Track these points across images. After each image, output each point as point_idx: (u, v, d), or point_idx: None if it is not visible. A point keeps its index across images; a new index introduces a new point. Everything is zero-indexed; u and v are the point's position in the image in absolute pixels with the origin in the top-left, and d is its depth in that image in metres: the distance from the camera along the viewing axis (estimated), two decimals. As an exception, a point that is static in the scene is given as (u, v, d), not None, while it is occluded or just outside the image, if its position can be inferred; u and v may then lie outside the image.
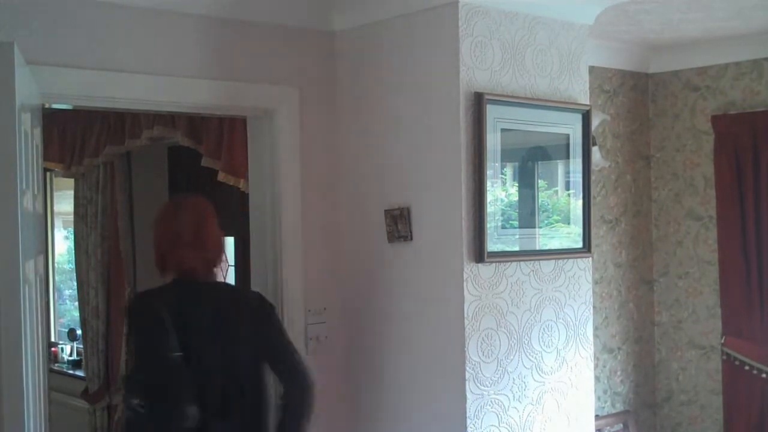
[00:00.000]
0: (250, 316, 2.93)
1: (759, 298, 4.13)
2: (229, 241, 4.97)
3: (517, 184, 3.32)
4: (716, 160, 4.29)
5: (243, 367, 2.88)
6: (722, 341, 4.28)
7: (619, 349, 4.51)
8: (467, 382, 3.13)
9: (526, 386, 3.30)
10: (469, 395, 3.13)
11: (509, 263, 3.24)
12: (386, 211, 3.37)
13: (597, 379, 4.12)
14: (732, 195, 4.22)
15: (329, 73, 3.59)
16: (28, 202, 2.36)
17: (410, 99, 3.31)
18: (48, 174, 6.15)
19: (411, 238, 3.30)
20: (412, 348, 3.34)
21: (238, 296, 3.16)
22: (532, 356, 3.32)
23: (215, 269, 2.97)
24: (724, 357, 4.29)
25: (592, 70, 3.78)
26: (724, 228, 4.27)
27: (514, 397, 3.26)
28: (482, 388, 3.16)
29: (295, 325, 3.44)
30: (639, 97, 4.59)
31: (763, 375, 4.12)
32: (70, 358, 6.55)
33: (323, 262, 3.58)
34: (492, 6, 3.17)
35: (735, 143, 4.20)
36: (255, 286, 3.51)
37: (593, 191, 3.53)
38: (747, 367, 4.17)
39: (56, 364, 6.45)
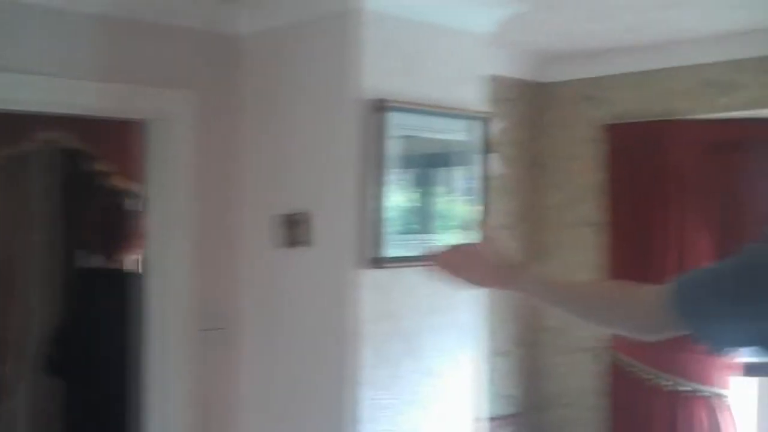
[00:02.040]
0: None
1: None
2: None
3: (416, 191, 3.35)
4: (607, 168, 4.41)
5: None
6: (609, 344, 4.40)
7: (510, 352, 4.59)
8: (361, 387, 3.14)
9: (419, 390, 3.32)
10: (362, 400, 3.14)
11: (406, 268, 3.26)
12: (285, 217, 3.36)
13: (489, 382, 4.18)
14: (622, 202, 4.35)
15: (232, 78, 3.55)
16: None
17: (311, 105, 3.30)
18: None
19: (310, 244, 3.30)
20: (308, 353, 3.33)
21: None
22: (426, 360, 3.34)
23: None
24: (611, 360, 4.40)
25: (491, 78, 3.84)
26: (615, 234, 4.39)
27: (407, 401, 3.28)
28: (376, 392, 3.17)
29: (190, 333, 3.41)
30: (535, 106, 4.69)
31: (649, 377, 4.25)
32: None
33: (220, 267, 3.54)
34: (393, 13, 3.18)
35: (626, 152, 4.33)
36: (152, 291, 3.46)
37: (490, 198, 3.59)
38: (633, 370, 4.29)
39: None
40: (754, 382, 4.32)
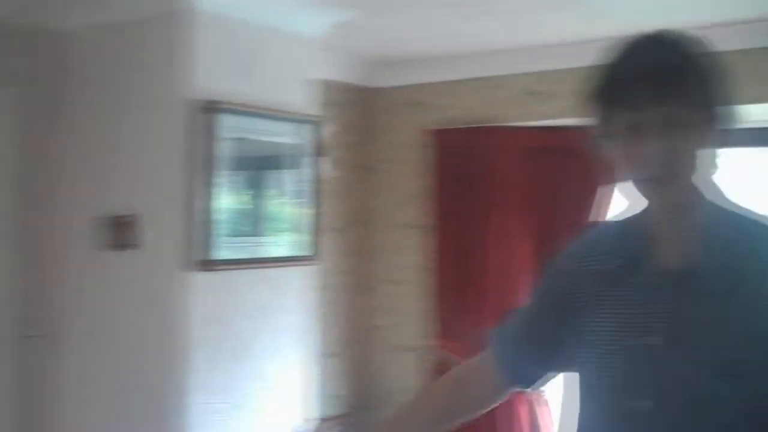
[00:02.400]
0: None
1: (470, 303, 4.40)
2: None
3: (247, 193, 3.34)
4: (432, 172, 4.53)
5: None
6: (435, 344, 4.52)
7: (340, 353, 4.64)
8: (191, 392, 3.10)
9: (251, 393, 3.31)
10: (192, 405, 3.10)
11: (237, 271, 3.25)
12: (113, 219, 3.27)
13: (319, 383, 4.22)
14: (447, 205, 4.47)
15: (57, 75, 3.42)
16: None
17: (139, 105, 3.23)
18: None
19: (137, 247, 3.22)
20: (135, 359, 3.26)
21: None
22: (258, 363, 3.34)
23: None
24: (438, 359, 4.52)
25: (323, 82, 3.87)
26: (439, 236, 4.52)
27: (239, 404, 3.26)
28: (207, 397, 3.14)
29: (11, 339, 3.26)
30: (365, 110, 4.76)
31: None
32: None
33: (44, 271, 3.41)
34: (226, 14, 3.16)
35: (450, 156, 4.46)
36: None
37: (321, 200, 3.62)
38: (458, 368, 4.42)
39: None
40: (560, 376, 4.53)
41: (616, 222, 1.64)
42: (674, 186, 1.46)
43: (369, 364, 4.83)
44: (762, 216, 1.52)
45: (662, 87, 1.41)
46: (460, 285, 4.44)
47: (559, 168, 4.22)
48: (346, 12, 3.45)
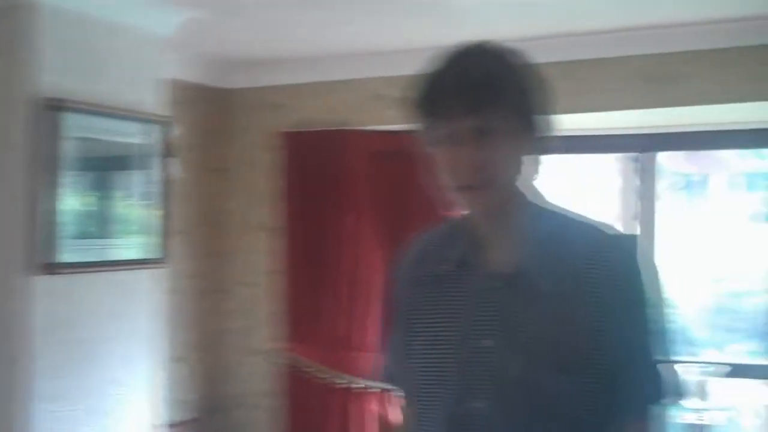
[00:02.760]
0: None
1: (321, 306, 4.43)
2: None
3: (93, 194, 3.27)
4: (285, 174, 4.54)
5: None
6: (285, 346, 4.53)
7: (189, 357, 4.58)
8: (34, 400, 3.00)
9: (99, 400, 3.24)
10: (39, 413, 3.01)
11: (83, 274, 3.17)
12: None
13: (168, 388, 4.16)
14: (298, 208, 4.49)
15: None
16: None
17: (-23, 101, 3.11)
18: None
19: (-25, 249, 3.11)
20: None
21: None
22: (105, 369, 3.27)
23: None
24: (288, 361, 4.53)
25: (172, 81, 3.82)
26: (291, 239, 4.53)
27: (86, 411, 3.19)
28: (53, 405, 3.06)
29: None
30: (217, 111, 4.72)
31: (324, 377, 4.42)
32: None
33: None
34: (72, 10, 3.08)
35: (303, 159, 4.48)
36: None
37: (170, 202, 3.58)
38: (309, 371, 4.45)
39: None
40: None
41: (444, 227, 1.68)
42: (490, 193, 1.51)
43: (219, 367, 4.79)
44: (588, 218, 1.60)
45: (474, 98, 1.46)
46: (311, 288, 4.47)
47: (408, 171, 4.30)
48: (196, 11, 3.43)
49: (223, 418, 4.79)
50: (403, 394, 1.70)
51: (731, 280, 4.50)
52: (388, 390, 4.35)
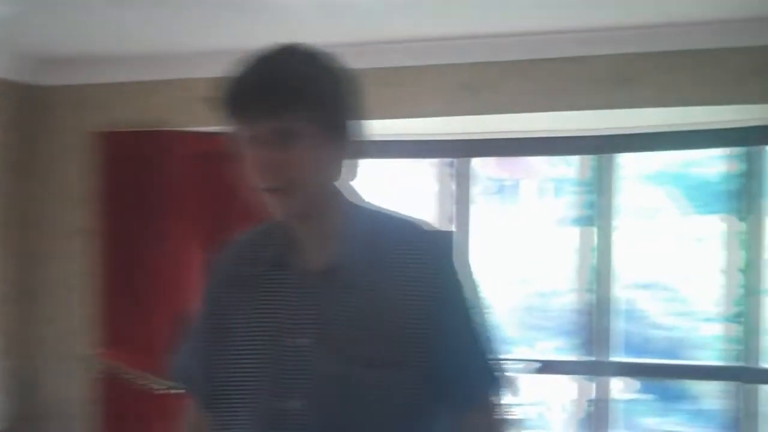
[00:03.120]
0: None
1: (138, 310, 4.33)
2: None
3: None
4: (101, 176, 4.40)
5: None
6: (102, 352, 4.40)
7: (-1, 365, 4.39)
8: None
9: None
10: None
11: None
12: None
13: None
14: (114, 210, 4.36)
15: None
16: None
17: None
18: None
19: None
20: None
21: None
22: None
23: None
24: (105, 368, 4.40)
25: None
26: (107, 242, 4.40)
27: None
28: None
29: None
30: (25, 109, 4.51)
31: (142, 383, 4.32)
32: None
33: None
34: None
35: (120, 160, 4.36)
36: None
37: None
38: (127, 377, 4.33)
39: None
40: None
41: (260, 228, 1.67)
42: (297, 196, 1.50)
43: (32, 375, 4.60)
44: (404, 215, 1.63)
45: (274, 100, 1.46)
46: (128, 292, 4.36)
47: (227, 173, 4.27)
48: (5, 5, 3.27)
49: (36, 429, 4.60)
50: (197, 396, 1.68)
51: (540, 281, 4.72)
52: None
